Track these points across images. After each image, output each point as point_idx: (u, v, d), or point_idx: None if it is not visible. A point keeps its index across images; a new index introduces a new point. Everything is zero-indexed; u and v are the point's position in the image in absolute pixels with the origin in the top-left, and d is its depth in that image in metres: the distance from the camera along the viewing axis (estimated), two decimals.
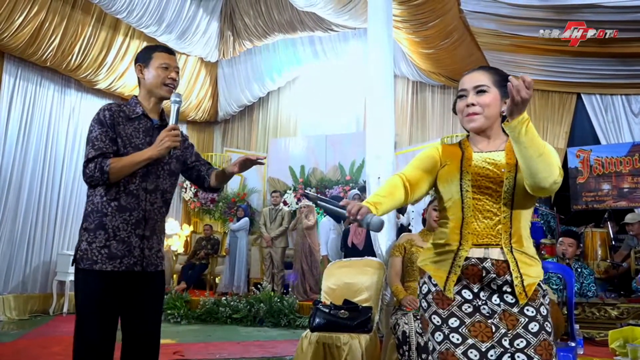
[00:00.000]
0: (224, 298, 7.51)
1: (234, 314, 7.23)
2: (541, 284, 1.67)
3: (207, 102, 10.75)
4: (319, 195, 1.74)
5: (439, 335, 1.64)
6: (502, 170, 1.66)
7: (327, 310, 3.33)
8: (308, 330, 3.36)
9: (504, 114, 1.71)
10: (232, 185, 10.38)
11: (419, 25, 6.72)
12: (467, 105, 1.71)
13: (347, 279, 3.67)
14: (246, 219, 8.81)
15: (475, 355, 1.57)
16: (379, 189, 1.75)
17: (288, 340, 5.93)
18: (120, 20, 7.97)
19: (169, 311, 7.30)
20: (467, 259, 1.65)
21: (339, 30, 9.08)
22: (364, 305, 3.43)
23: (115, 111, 2.12)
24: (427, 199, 4.46)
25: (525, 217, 1.67)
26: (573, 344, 2.92)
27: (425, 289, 1.75)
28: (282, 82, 11.04)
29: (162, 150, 2.06)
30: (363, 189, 8.44)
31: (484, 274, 1.64)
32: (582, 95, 8.23)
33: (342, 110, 10.51)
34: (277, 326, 6.92)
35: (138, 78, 2.24)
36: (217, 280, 9.30)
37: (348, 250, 6.05)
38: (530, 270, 1.64)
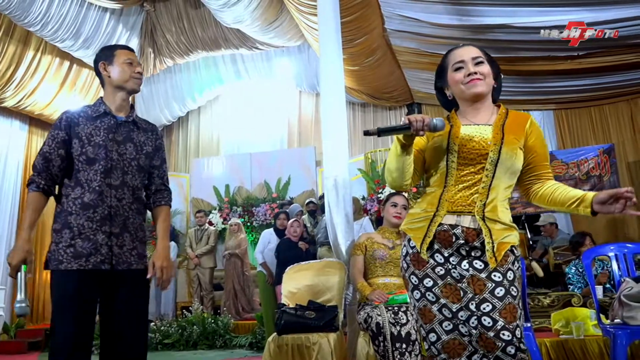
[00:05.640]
0: (152, 324, 7.14)
1: (164, 339, 6.88)
2: (515, 250, 1.76)
3: None
4: (378, 127, 1.76)
5: (417, 293, 1.77)
6: (488, 143, 1.75)
7: (293, 312, 3.32)
8: (275, 333, 3.32)
9: (495, 86, 1.85)
10: None
11: (345, 42, 6.93)
12: (469, 74, 1.79)
13: (307, 282, 3.67)
14: (173, 243, 8.46)
15: (449, 314, 1.71)
16: None
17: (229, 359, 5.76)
18: (31, 34, 7.50)
19: None
20: (440, 224, 1.76)
21: (263, 49, 9.17)
22: (328, 305, 3.45)
23: (74, 112, 2.16)
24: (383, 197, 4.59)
25: (503, 189, 1.76)
26: (529, 324, 3.13)
27: (404, 251, 1.86)
28: (203, 101, 10.89)
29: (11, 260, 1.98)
30: (290, 204, 8.49)
31: (453, 240, 1.74)
32: None
33: (266, 129, 10.56)
34: (213, 348, 6.69)
35: (101, 77, 2.24)
36: None
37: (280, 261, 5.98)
38: (503, 237, 1.72)
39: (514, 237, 1.75)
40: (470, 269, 1.72)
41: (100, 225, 2.04)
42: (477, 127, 1.81)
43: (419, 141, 1.86)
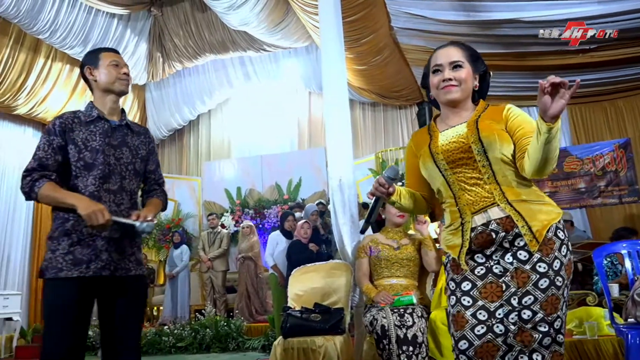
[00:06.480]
0: (166, 327, 7.17)
1: (178, 342, 6.90)
2: (559, 233, 1.66)
3: None
4: (364, 222, 1.86)
5: (453, 299, 1.73)
6: (466, 137, 1.72)
7: (299, 315, 3.28)
8: (280, 337, 3.29)
9: (476, 88, 1.81)
10: (166, 212, 9.99)
11: (352, 42, 6.93)
12: (444, 80, 1.75)
13: (313, 284, 3.64)
14: (185, 246, 8.47)
15: (484, 316, 1.64)
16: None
17: None
18: (41, 41, 7.59)
19: None
20: (473, 229, 1.70)
21: (270, 50, 9.16)
22: (334, 307, 3.41)
23: (67, 118, 2.10)
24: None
25: (509, 169, 1.69)
26: None
27: (444, 261, 1.84)
28: (213, 105, 10.93)
29: (91, 216, 1.90)
30: (299, 206, 8.45)
31: (494, 236, 1.68)
32: None
33: (276, 130, 10.57)
34: (226, 351, 6.69)
35: (89, 82, 2.23)
36: (154, 311, 8.88)
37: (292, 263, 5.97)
38: (538, 215, 1.66)
39: (549, 210, 1.68)
40: (515, 261, 1.66)
41: (99, 231, 2.00)
42: (453, 128, 1.79)
43: (412, 164, 1.91)
